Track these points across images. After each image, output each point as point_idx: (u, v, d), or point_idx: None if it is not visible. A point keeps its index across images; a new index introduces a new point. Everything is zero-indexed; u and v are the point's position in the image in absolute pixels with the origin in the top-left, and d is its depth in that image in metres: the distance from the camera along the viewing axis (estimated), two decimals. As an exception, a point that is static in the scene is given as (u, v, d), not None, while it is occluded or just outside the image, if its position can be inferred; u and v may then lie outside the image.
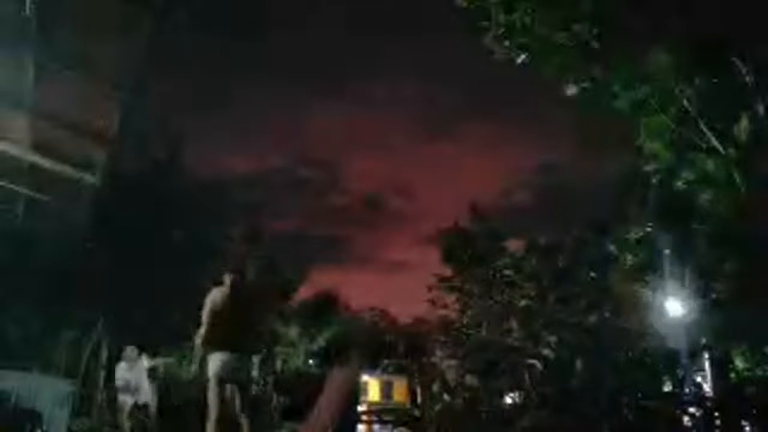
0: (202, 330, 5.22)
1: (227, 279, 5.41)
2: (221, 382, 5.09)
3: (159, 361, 10.36)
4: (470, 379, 16.55)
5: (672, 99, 6.38)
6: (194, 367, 5.27)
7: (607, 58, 6.37)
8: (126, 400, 9.58)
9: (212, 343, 5.19)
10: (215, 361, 5.12)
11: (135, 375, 9.72)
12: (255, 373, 5.65)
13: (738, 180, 6.17)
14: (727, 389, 9.96)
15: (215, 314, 5.23)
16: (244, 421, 5.11)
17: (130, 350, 9.86)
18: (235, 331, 5.20)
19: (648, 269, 10.72)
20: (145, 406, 9.94)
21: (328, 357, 23.11)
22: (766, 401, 8.91)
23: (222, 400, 5.08)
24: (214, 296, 5.32)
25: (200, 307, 5.37)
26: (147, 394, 9.81)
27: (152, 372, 10.03)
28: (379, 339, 28.19)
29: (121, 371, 9.76)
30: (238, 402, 5.12)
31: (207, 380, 5.18)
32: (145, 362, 9.92)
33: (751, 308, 7.64)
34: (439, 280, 18.15)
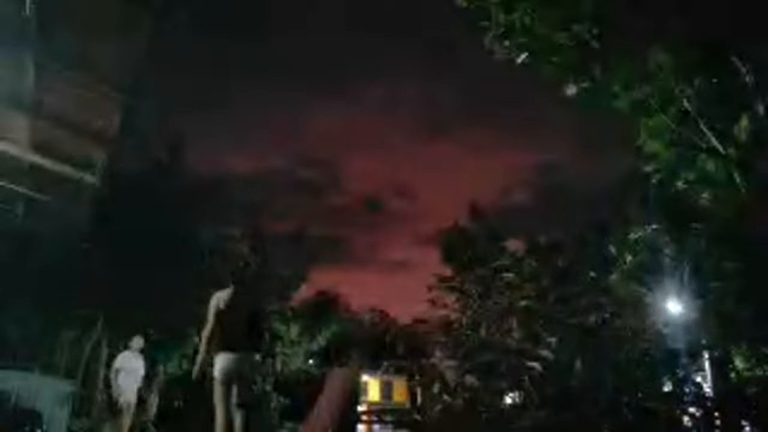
0: (205, 330, 5.32)
1: (231, 280, 5.52)
2: (224, 382, 5.16)
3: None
4: (470, 379, 16.55)
5: (672, 99, 6.38)
6: (195, 366, 5.36)
7: (607, 58, 6.37)
8: (120, 391, 9.58)
9: (216, 344, 5.29)
10: (219, 363, 5.20)
11: (131, 366, 9.75)
12: (258, 371, 5.75)
13: (738, 180, 6.17)
14: (727, 389, 9.95)
15: (218, 315, 5.33)
16: (238, 417, 5.18)
17: (136, 341, 9.92)
18: (237, 331, 5.28)
19: (648, 269, 10.72)
20: (144, 403, 9.97)
21: (328, 357, 23.12)
22: (766, 401, 8.92)
23: (226, 401, 5.16)
24: (218, 298, 5.41)
25: (200, 306, 5.45)
26: (137, 381, 9.82)
27: (153, 372, 10.05)
28: (379, 339, 28.20)
29: (121, 359, 9.81)
30: (234, 398, 5.20)
31: (209, 379, 5.27)
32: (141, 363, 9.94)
33: (751, 308, 7.64)
34: (439, 280, 18.15)
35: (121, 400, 9.57)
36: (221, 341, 5.27)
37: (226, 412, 5.15)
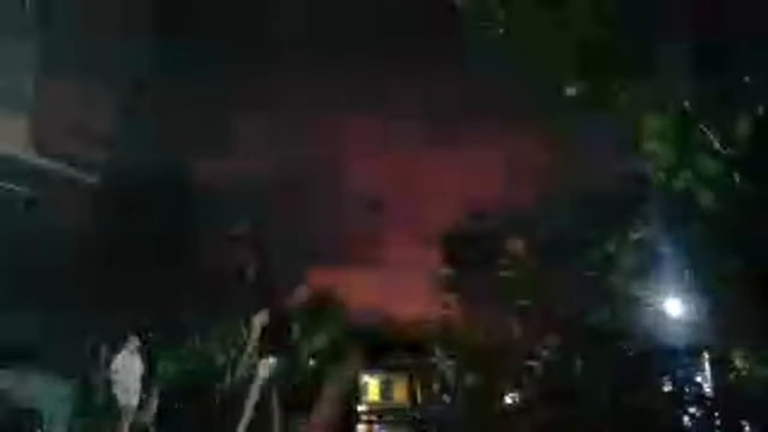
0: (252, 341, 5.83)
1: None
2: (268, 383, 5.67)
3: None
4: (470, 379, 16.56)
5: (672, 99, 6.38)
6: (240, 373, 5.99)
7: (608, 58, 6.37)
8: (119, 392, 9.58)
9: (260, 352, 5.82)
10: (264, 367, 5.73)
11: (130, 366, 9.74)
12: (294, 375, 6.61)
13: (738, 180, 6.17)
14: (727, 389, 9.96)
15: (262, 329, 5.82)
16: (277, 416, 5.69)
17: (132, 340, 9.92)
18: (279, 340, 5.80)
19: (648, 269, 10.72)
20: (144, 404, 9.96)
21: (328, 357, 23.10)
22: (766, 401, 8.92)
23: (264, 400, 5.68)
24: (259, 318, 5.90)
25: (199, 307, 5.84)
26: (137, 382, 9.81)
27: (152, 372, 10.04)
28: (379, 339, 28.16)
29: (120, 360, 9.79)
30: (275, 399, 5.70)
31: (251, 384, 5.78)
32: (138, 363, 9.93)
33: (751, 308, 7.65)
34: (439, 280, 18.17)
35: (121, 401, 9.56)
36: (265, 349, 5.78)
37: (270, 414, 5.66)
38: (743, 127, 6.05)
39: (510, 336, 15.17)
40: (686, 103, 6.33)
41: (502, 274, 15.96)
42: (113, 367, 9.84)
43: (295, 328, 21.21)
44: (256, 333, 5.92)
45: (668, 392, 10.58)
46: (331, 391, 8.67)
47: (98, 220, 10.48)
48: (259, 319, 5.97)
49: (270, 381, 5.77)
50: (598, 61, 6.39)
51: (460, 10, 6.67)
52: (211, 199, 15.21)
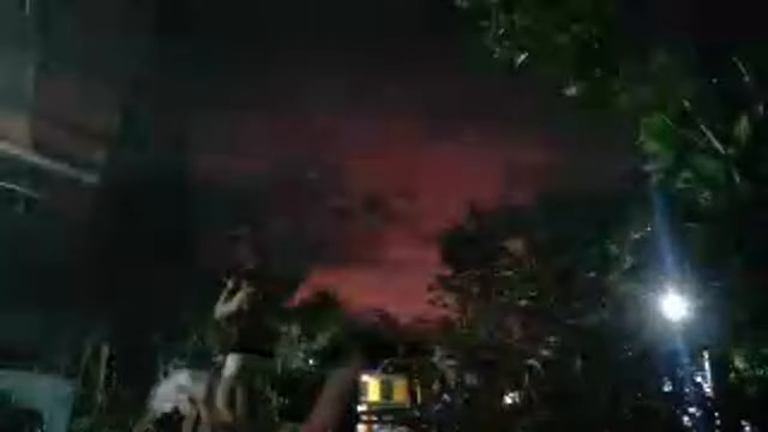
0: (219, 332, 5.45)
1: (243, 283, 5.56)
2: (235, 382, 5.23)
3: None
4: (470, 379, 16.56)
5: (672, 99, 6.39)
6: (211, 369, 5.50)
7: (608, 58, 6.38)
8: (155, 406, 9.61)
9: (228, 346, 5.35)
10: (231, 363, 5.26)
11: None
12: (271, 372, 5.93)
13: (738, 180, 6.17)
14: (727, 389, 9.95)
15: (231, 317, 5.38)
16: (245, 420, 5.22)
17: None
18: (250, 333, 5.34)
19: (648, 269, 10.72)
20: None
21: (328, 357, 23.13)
22: (766, 401, 8.92)
23: (232, 401, 5.22)
24: (229, 300, 5.45)
25: (199, 306, 5.57)
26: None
27: None
28: (379, 339, 28.19)
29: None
30: (242, 400, 5.25)
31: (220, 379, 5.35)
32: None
33: (751, 308, 7.65)
34: (439, 280, 18.19)
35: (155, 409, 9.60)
36: (234, 343, 5.35)
37: (230, 413, 5.22)
38: (743, 127, 6.05)
39: (510, 336, 15.17)
40: (686, 103, 6.33)
41: (502, 274, 15.97)
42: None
43: (293, 329, 21.25)
44: (222, 326, 5.51)
45: (668, 392, 10.56)
46: (331, 391, 8.64)
47: (98, 220, 10.50)
48: (227, 304, 5.46)
49: (237, 378, 5.28)
50: (598, 61, 6.40)
51: (459, 10, 6.68)
52: (211, 199, 15.22)
